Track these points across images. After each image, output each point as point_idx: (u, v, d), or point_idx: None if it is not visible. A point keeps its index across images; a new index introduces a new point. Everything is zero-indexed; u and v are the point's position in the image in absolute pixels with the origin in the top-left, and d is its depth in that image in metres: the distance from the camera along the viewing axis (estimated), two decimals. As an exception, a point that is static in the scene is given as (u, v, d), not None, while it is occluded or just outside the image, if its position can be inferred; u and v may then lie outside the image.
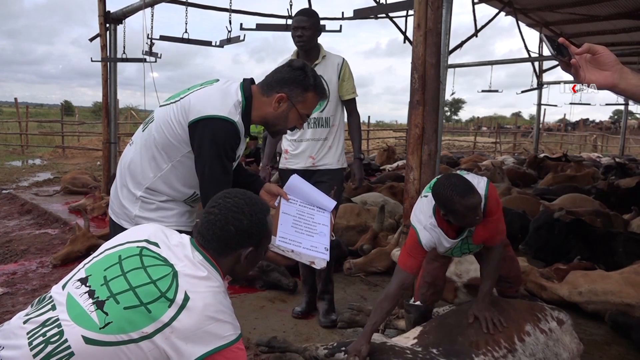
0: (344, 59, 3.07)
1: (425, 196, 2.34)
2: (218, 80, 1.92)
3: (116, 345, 1.24)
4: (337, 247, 3.87)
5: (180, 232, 1.87)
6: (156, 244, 1.42)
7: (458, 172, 2.47)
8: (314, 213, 2.03)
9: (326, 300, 3.16)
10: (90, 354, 1.23)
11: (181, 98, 1.84)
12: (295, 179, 2.08)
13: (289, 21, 5.94)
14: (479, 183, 2.26)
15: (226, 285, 1.46)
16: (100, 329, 1.24)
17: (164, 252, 1.39)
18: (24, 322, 1.30)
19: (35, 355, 1.23)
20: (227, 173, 1.84)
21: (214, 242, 1.44)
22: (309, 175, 2.97)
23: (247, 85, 1.88)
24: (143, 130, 1.94)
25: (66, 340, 1.24)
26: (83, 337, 1.24)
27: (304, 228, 1.96)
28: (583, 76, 1.22)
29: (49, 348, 1.23)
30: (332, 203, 2.08)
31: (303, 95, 1.88)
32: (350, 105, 3.15)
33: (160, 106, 1.93)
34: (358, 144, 3.23)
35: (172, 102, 1.87)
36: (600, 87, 1.23)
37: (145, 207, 1.90)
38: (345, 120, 3.23)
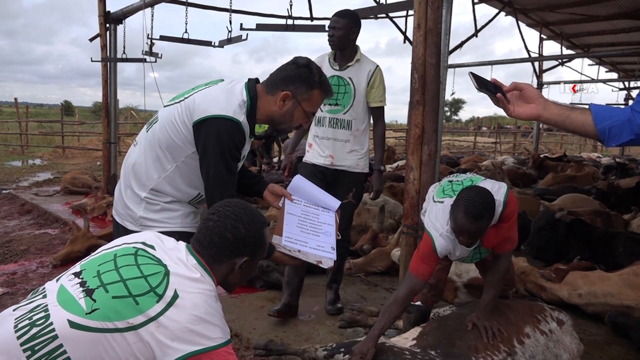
0: (377, 66, 3.09)
1: (441, 202, 2.30)
2: (223, 80, 1.91)
3: (100, 332, 1.25)
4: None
5: (185, 233, 1.87)
6: (152, 247, 1.44)
7: (475, 179, 2.41)
8: (318, 213, 2.03)
9: (333, 289, 3.25)
10: (73, 338, 1.24)
11: (185, 98, 1.83)
12: (298, 180, 2.08)
13: (289, 21, 5.94)
14: (500, 189, 2.25)
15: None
16: (86, 314, 1.26)
17: (158, 253, 1.42)
18: (14, 310, 1.33)
19: (19, 337, 1.24)
20: (232, 173, 1.82)
21: (210, 248, 1.45)
22: (329, 174, 3.09)
23: (252, 84, 1.87)
24: (147, 131, 1.91)
25: (51, 323, 1.25)
26: (68, 320, 1.25)
27: (309, 228, 1.96)
28: (512, 109, 1.37)
29: (34, 330, 1.25)
30: (336, 203, 2.08)
31: (308, 92, 1.86)
32: (377, 113, 3.16)
33: (165, 106, 1.91)
34: (380, 155, 3.21)
35: (176, 102, 1.85)
36: (527, 118, 1.39)
37: (150, 209, 1.88)
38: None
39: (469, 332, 2.19)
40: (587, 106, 1.34)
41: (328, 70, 3.05)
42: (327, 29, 3.06)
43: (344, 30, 2.98)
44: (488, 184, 2.29)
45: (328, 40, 3.04)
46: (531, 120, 1.40)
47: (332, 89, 1.97)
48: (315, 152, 3.16)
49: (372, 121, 3.23)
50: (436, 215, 2.28)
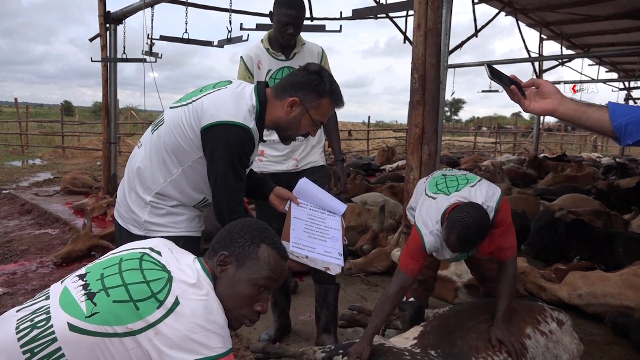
0: (322, 48, 2.77)
1: (434, 198, 2.26)
2: (231, 82, 1.86)
3: (99, 336, 1.24)
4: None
5: (191, 237, 1.87)
6: (159, 253, 1.42)
7: (471, 177, 2.35)
8: (325, 217, 2.00)
9: (332, 332, 2.70)
10: (72, 341, 1.23)
11: (193, 100, 1.78)
12: (304, 183, 2.03)
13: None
14: (493, 195, 2.22)
15: None
16: (86, 317, 1.25)
17: (164, 259, 1.40)
18: (17, 311, 1.33)
19: (19, 339, 1.24)
20: (241, 180, 1.79)
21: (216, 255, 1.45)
22: (292, 179, 2.47)
23: (261, 88, 1.83)
24: (152, 133, 1.87)
25: (52, 326, 1.25)
26: (68, 323, 1.24)
27: (316, 233, 1.92)
28: (527, 104, 1.38)
29: (34, 332, 1.24)
30: (342, 207, 2.04)
31: (317, 100, 1.81)
32: None
33: (171, 108, 1.86)
34: (338, 145, 2.88)
35: (183, 105, 1.80)
36: (542, 113, 1.38)
37: (155, 213, 1.84)
38: None
39: (470, 331, 2.19)
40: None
41: (273, 63, 2.66)
42: (277, 22, 2.58)
43: (301, 22, 2.61)
44: (484, 188, 2.25)
45: (286, 38, 2.60)
46: (546, 115, 1.39)
47: (342, 98, 1.87)
48: (272, 160, 2.74)
49: None
50: (427, 211, 2.24)
